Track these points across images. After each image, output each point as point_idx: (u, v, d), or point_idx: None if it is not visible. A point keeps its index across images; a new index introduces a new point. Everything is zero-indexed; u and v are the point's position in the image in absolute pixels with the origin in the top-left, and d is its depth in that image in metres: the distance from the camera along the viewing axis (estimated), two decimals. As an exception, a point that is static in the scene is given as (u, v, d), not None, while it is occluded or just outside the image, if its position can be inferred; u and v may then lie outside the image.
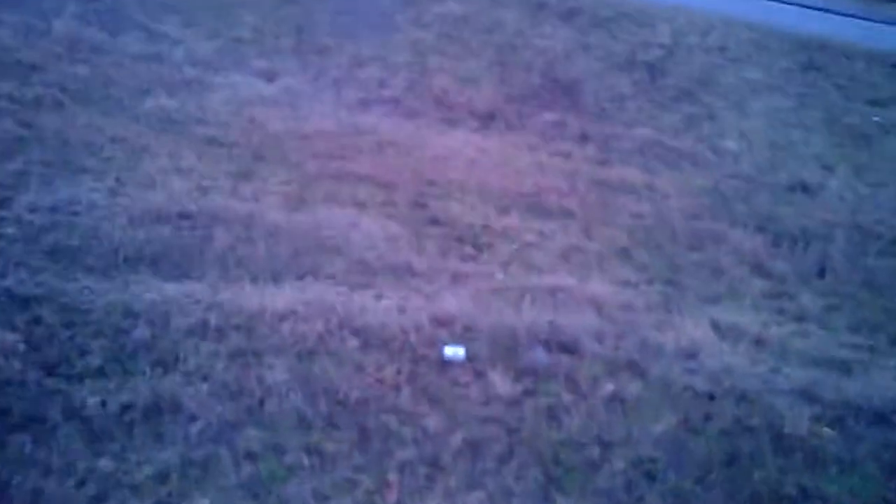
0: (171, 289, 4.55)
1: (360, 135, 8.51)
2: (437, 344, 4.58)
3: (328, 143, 7.94)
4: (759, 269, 6.75)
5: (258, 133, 7.78)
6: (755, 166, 9.75)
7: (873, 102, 11.39)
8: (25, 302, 4.18)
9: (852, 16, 14.36)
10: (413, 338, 4.57)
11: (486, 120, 9.86)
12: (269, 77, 9.82)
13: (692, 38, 12.16)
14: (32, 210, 5.16)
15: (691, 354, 5.04)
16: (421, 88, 10.32)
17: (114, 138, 6.67)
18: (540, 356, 4.69)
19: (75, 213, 5.22)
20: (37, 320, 4.08)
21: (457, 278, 5.52)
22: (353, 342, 4.41)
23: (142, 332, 4.14)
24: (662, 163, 9.43)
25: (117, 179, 5.87)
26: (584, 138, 9.75)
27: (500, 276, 5.69)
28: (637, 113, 10.57)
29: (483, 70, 11.00)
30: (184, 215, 5.47)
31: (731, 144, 10.19)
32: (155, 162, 6.42)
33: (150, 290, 4.50)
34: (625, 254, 6.61)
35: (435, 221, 6.47)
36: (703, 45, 12.03)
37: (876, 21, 14.05)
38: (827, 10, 14.29)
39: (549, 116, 10.14)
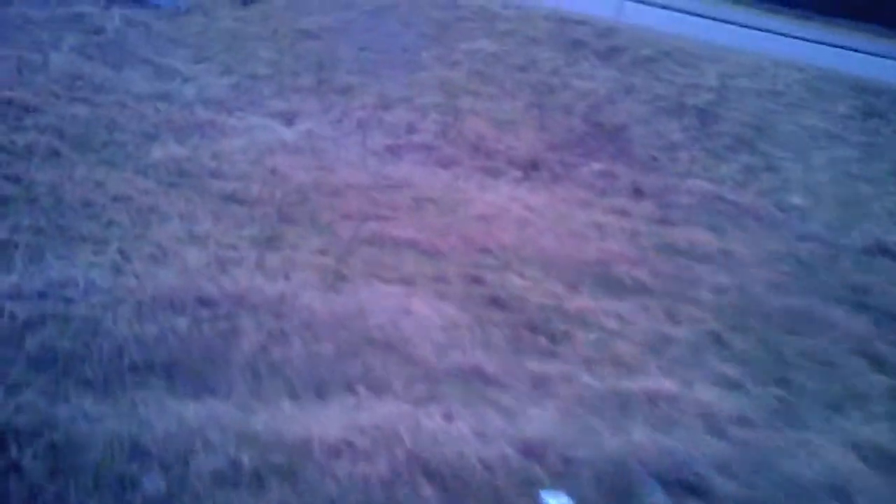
0: (192, 412, 3.50)
1: (395, 188, 7.51)
2: (532, 487, 3.53)
3: (360, 200, 6.94)
4: (874, 361, 5.73)
5: (281, 187, 6.76)
6: (826, 225, 8.80)
7: (943, 153, 10.49)
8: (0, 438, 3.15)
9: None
10: (501, 479, 3.53)
11: (529, 169, 8.90)
12: (289, 119, 8.85)
13: (741, 80, 11.26)
14: (16, 297, 4.12)
15: (840, 490, 4.01)
16: (454, 133, 9.37)
17: (117, 196, 5.63)
18: (661, 501, 3.66)
19: (69, 301, 4.17)
20: (14, 467, 3.05)
21: (537, 383, 4.48)
22: (427, 489, 3.37)
23: (155, 482, 3.10)
24: (727, 221, 8.46)
25: (121, 251, 4.82)
26: (637, 192, 8.79)
27: (586, 378, 4.65)
28: (691, 163, 9.63)
29: (520, 113, 10.07)
30: (203, 301, 4.43)
31: (796, 200, 9.25)
32: (165, 227, 5.39)
33: (165, 414, 3.46)
34: (718, 341, 5.58)
35: (497, 302, 5.43)
36: (753, 88, 11.13)
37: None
38: (876, 55, 13.48)
39: (597, 166, 9.19)
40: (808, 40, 13.36)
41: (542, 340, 5.05)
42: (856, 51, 13.42)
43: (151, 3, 11.18)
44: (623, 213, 8.11)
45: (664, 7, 13.99)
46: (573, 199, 8.26)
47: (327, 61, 10.34)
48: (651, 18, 12.57)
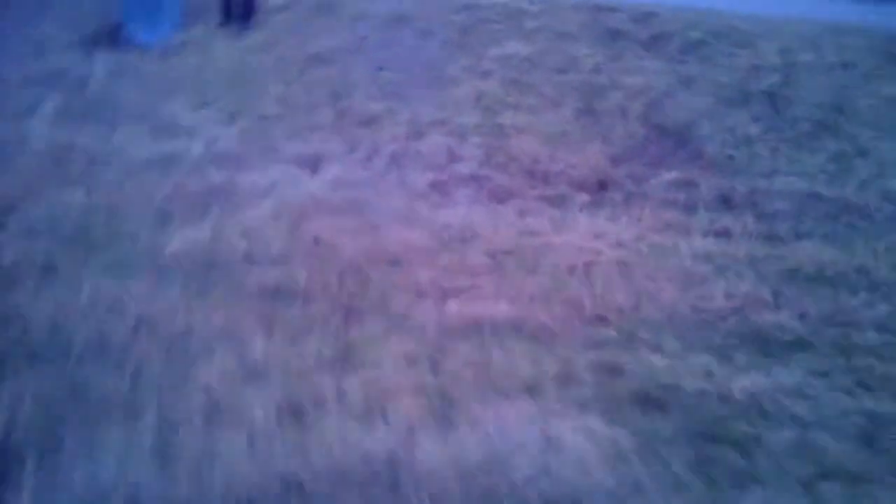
0: None
1: (460, 243, 6.19)
2: None
3: (428, 268, 5.61)
4: None
5: (331, 265, 5.43)
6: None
7: None
8: None
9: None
10: None
11: (597, 191, 7.57)
12: (313, 165, 7.51)
13: (805, 55, 9.91)
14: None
15: None
16: (502, 156, 8.04)
17: (138, 322, 4.30)
18: None
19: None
20: None
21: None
22: None
23: None
24: (839, 225, 7.16)
25: (162, 424, 3.51)
26: (726, 201, 7.49)
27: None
28: (773, 158, 8.30)
29: (569, 123, 8.73)
30: (291, 488, 3.13)
31: (900, 186, 7.95)
32: (210, 363, 4.05)
33: None
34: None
35: (650, 402, 4.12)
36: (821, 62, 9.78)
37: None
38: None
39: (670, 176, 7.86)
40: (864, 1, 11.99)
41: (731, 455, 3.75)
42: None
43: (137, 42, 9.80)
44: (724, 233, 6.81)
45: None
46: (660, 222, 6.94)
47: (344, 88, 8.98)
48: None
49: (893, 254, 6.59)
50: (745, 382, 4.41)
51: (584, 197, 7.43)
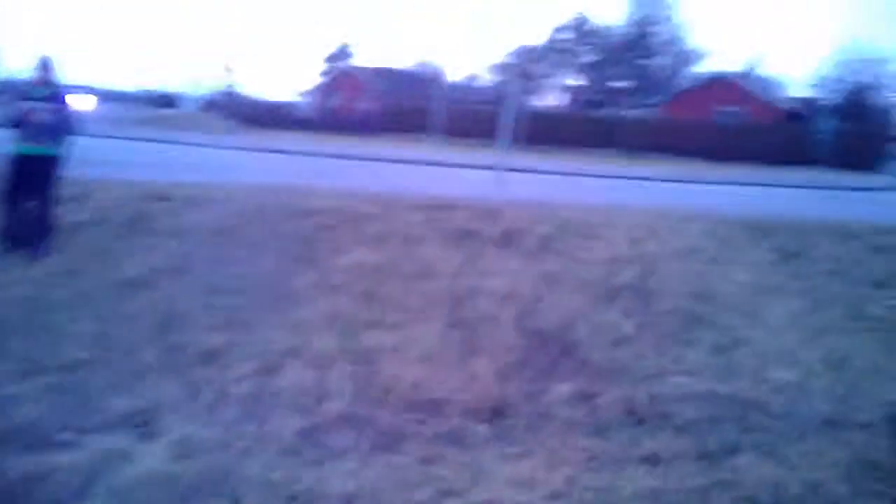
0: None
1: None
2: None
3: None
4: None
5: None
6: (840, 400, 7.18)
7: (878, 285, 9.55)
8: None
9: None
10: None
11: (494, 418, 6.50)
12: (146, 425, 5.86)
13: (651, 244, 9.84)
14: None
15: None
16: (377, 389, 6.80)
17: None
18: None
19: None
20: None
21: None
22: None
23: None
24: (759, 432, 6.54)
25: None
26: (633, 415, 6.69)
27: None
28: (657, 356, 7.75)
29: (440, 339, 7.73)
30: None
31: (788, 376, 7.61)
32: None
33: None
34: None
35: None
36: (668, 250, 9.72)
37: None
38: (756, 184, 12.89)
39: (564, 388, 7.00)
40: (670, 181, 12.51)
41: None
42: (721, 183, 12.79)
43: None
44: (655, 460, 5.90)
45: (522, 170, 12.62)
46: (581, 455, 5.93)
47: (172, 319, 7.44)
48: (515, 189, 11.00)
49: (826, 457, 6.00)
50: None
51: (483, 428, 6.30)
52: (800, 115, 54.81)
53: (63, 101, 8.72)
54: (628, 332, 8.05)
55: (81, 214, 9.58)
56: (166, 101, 64.61)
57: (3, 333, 6.81)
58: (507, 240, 9.46)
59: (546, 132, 44.47)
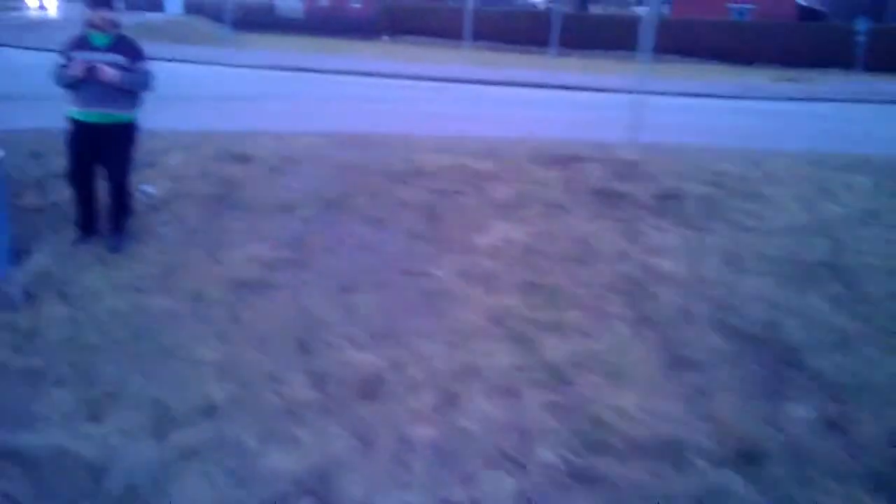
0: None
1: None
2: None
3: None
4: None
5: None
6: None
7: None
8: None
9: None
10: None
11: (746, 465, 5.05)
12: (323, 496, 4.37)
13: (826, 206, 8.24)
14: None
15: None
16: (586, 422, 5.35)
17: None
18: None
19: None
20: None
21: None
22: None
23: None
24: None
25: None
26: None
27: None
28: (886, 358, 6.31)
29: (632, 346, 6.25)
30: None
31: None
32: None
33: None
34: None
35: None
36: (847, 212, 8.14)
37: None
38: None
39: (804, 414, 5.57)
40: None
41: None
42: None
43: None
44: None
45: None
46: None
47: (311, 334, 5.83)
48: (654, 136, 9.29)
49: None
50: None
51: (738, 483, 4.85)
52: (816, 12, 52.40)
53: (136, 51, 6.72)
54: (844, 328, 6.57)
55: (155, 187, 7.79)
56: (152, 2, 60.47)
57: (104, 359, 5.17)
58: (663, 205, 7.85)
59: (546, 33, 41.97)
